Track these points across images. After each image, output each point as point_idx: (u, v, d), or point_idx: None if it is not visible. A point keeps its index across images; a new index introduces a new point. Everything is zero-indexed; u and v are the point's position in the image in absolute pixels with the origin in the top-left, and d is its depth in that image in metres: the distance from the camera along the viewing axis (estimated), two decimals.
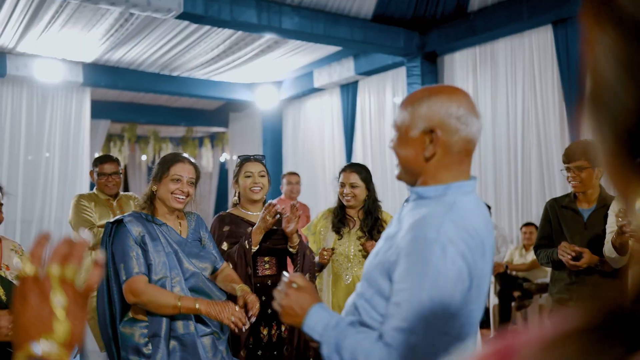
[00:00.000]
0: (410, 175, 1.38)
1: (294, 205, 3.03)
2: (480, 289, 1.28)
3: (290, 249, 3.03)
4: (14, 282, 2.55)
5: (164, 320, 2.45)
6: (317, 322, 1.31)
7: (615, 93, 0.35)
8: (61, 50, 7.38)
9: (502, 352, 0.36)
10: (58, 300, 0.76)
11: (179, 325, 2.47)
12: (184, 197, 2.56)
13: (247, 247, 2.92)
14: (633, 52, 0.34)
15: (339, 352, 1.25)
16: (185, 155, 2.68)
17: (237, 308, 2.37)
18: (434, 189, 1.33)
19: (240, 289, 2.59)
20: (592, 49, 0.37)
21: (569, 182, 3.13)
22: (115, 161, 4.08)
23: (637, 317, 0.32)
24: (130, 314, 2.56)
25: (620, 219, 2.72)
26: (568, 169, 3.10)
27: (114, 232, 2.53)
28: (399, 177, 1.42)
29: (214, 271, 2.73)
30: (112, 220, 2.57)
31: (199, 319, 2.51)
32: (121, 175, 4.11)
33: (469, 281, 1.22)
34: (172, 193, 2.54)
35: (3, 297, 2.48)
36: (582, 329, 0.34)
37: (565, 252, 2.98)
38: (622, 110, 0.34)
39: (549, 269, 5.89)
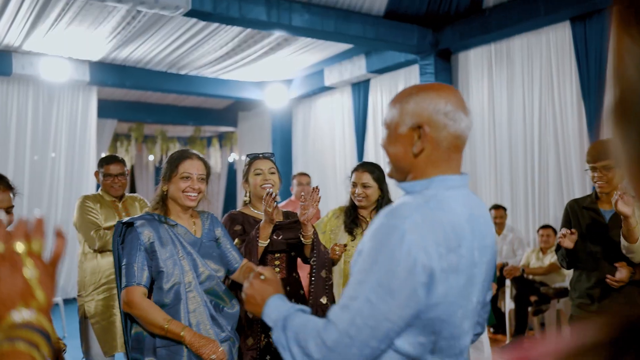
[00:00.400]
0: (400, 172, 1.42)
1: (314, 189, 2.99)
2: (452, 286, 1.27)
3: (303, 240, 3.00)
4: None
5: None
6: (272, 310, 1.39)
7: None
8: (67, 49, 7.43)
9: None
10: (30, 272, 0.87)
11: (201, 330, 2.46)
12: (195, 195, 2.55)
13: (255, 241, 2.89)
14: None
15: (285, 332, 1.32)
16: (193, 151, 2.66)
17: (220, 349, 2.37)
18: (418, 183, 1.37)
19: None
20: (620, 57, 0.37)
21: (594, 182, 3.09)
22: (121, 162, 4.08)
23: None
24: None
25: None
26: (594, 169, 3.06)
27: (124, 233, 2.54)
28: (390, 175, 1.46)
29: (234, 271, 2.72)
30: (124, 220, 2.57)
31: (216, 322, 2.51)
32: (127, 176, 4.11)
33: (425, 276, 1.22)
34: (183, 191, 2.53)
35: None
36: (597, 343, 0.33)
37: (563, 235, 3.06)
38: None
39: (567, 273, 5.87)
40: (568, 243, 3.06)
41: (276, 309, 1.39)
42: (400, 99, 1.40)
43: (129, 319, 2.56)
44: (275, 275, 1.52)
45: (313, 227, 3.04)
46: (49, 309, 0.87)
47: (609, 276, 2.98)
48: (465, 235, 1.30)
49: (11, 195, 2.45)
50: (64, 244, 0.93)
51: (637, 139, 0.35)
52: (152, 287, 2.48)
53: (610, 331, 0.34)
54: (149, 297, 2.49)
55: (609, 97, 0.37)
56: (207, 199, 2.71)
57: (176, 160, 2.58)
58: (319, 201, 2.98)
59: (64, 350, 2.75)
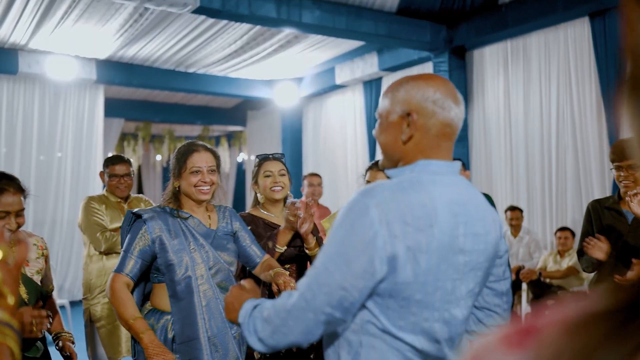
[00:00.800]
0: (390, 160, 1.49)
1: (307, 204, 2.98)
2: (422, 266, 1.31)
3: (308, 252, 3.01)
4: (35, 278, 2.59)
5: (198, 320, 2.45)
6: (245, 310, 1.46)
7: None
8: (74, 47, 7.48)
9: (524, 331, 0.36)
10: None
11: (212, 324, 2.48)
12: (208, 187, 2.55)
13: (271, 247, 2.90)
14: None
15: (251, 316, 1.41)
16: (200, 142, 2.65)
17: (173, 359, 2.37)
18: (403, 168, 1.44)
19: (275, 272, 2.58)
20: (632, 30, 0.37)
21: (619, 182, 3.05)
22: (127, 162, 4.07)
23: None
24: (149, 305, 2.57)
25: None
26: (618, 168, 3.01)
27: (132, 222, 2.56)
28: (382, 165, 1.52)
29: (255, 266, 2.72)
30: (134, 210, 2.58)
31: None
32: (133, 177, 4.11)
33: (387, 251, 1.27)
34: (195, 186, 2.53)
35: (25, 296, 2.50)
36: (607, 310, 0.33)
37: (587, 242, 3.03)
38: None
39: (586, 277, 5.83)
40: (599, 254, 3.02)
41: (248, 306, 1.46)
42: (391, 88, 1.47)
43: None
44: (255, 286, 1.60)
45: (315, 237, 3.04)
46: (15, 309, 1.00)
47: (617, 277, 2.93)
48: (439, 218, 1.33)
49: (22, 198, 2.46)
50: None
51: None
52: (166, 279, 2.49)
53: (618, 299, 0.34)
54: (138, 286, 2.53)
55: (623, 72, 0.37)
56: (221, 188, 2.72)
57: (184, 155, 2.57)
58: (313, 215, 2.97)
59: (73, 344, 2.78)
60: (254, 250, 2.73)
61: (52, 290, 2.80)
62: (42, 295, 2.60)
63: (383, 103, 1.48)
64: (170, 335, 2.46)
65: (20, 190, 2.46)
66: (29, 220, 7.77)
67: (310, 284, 1.32)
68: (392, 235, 1.27)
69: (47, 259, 2.77)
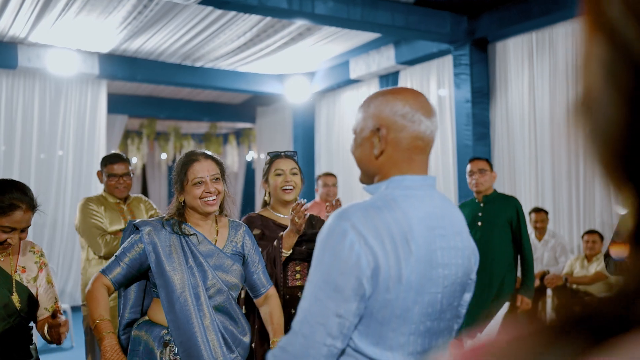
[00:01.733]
0: (366, 176, 1.58)
1: (298, 204, 2.91)
2: (403, 282, 1.37)
3: None
4: (28, 286, 2.62)
5: (200, 344, 2.42)
6: None
7: (602, 102, 0.37)
8: (75, 40, 7.53)
9: (469, 354, 0.40)
10: None
11: (210, 349, 2.46)
12: (214, 198, 2.53)
13: (278, 250, 2.90)
14: (617, 62, 0.36)
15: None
16: (199, 150, 2.63)
17: None
18: (378, 185, 1.52)
19: (272, 341, 2.62)
20: (586, 53, 0.39)
21: None
22: (126, 160, 4.03)
23: (606, 314, 0.35)
24: (147, 317, 2.58)
25: None
26: None
27: (132, 234, 2.57)
28: (361, 180, 1.62)
29: (258, 296, 2.71)
30: (135, 222, 2.58)
31: (226, 343, 2.49)
32: (132, 176, 4.08)
33: (370, 270, 1.34)
34: (200, 198, 2.51)
35: (18, 305, 2.53)
36: (547, 326, 0.37)
37: None
38: (608, 121, 0.36)
39: (615, 281, 5.74)
40: None
41: None
42: (363, 104, 1.57)
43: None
44: None
45: None
46: None
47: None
48: (415, 233, 1.40)
49: (31, 215, 2.53)
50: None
51: (597, 139, 0.38)
52: (162, 297, 2.49)
53: (560, 317, 0.38)
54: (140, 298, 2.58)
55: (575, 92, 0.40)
56: (229, 196, 2.69)
57: (184, 167, 2.55)
58: (305, 217, 2.93)
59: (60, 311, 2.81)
60: (260, 279, 2.70)
61: (58, 307, 2.74)
62: (32, 301, 2.62)
63: (357, 119, 1.58)
64: (158, 346, 2.46)
65: (32, 207, 2.51)
66: None
67: (305, 317, 1.36)
68: (373, 254, 1.34)
69: (48, 272, 2.76)
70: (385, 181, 1.50)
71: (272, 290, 2.74)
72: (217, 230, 2.64)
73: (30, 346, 2.63)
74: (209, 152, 2.64)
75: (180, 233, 2.53)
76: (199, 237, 2.55)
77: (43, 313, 2.67)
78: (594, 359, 0.33)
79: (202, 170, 2.52)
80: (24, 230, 2.51)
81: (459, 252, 1.51)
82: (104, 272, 2.50)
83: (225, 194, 2.63)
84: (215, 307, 2.50)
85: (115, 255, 2.52)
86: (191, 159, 2.56)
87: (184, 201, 2.57)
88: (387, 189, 1.48)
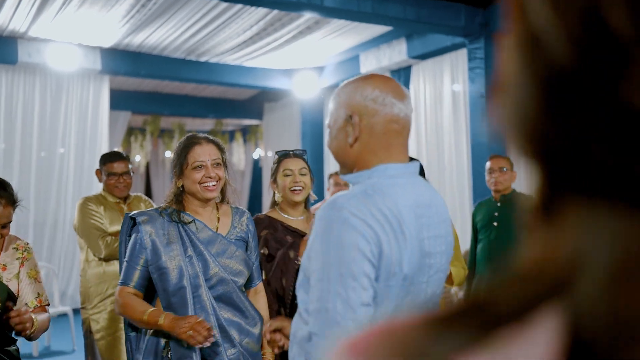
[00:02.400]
0: (345, 167, 1.60)
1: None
2: (396, 274, 1.39)
3: None
4: (9, 284, 2.60)
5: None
6: None
7: (518, 86, 0.38)
8: (77, 34, 7.53)
9: (354, 345, 0.39)
10: None
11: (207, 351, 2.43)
12: (214, 183, 2.49)
13: (292, 257, 2.87)
14: (532, 47, 0.37)
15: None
16: (201, 134, 2.60)
17: (207, 326, 2.28)
18: (361, 174, 1.52)
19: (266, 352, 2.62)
20: (507, 38, 0.40)
21: None
22: (126, 159, 4.03)
23: (500, 301, 0.35)
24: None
25: None
26: None
27: (131, 227, 2.55)
28: (341, 172, 1.64)
29: (248, 288, 2.69)
30: (131, 214, 2.55)
31: (225, 334, 2.46)
32: (132, 175, 4.06)
33: (377, 254, 1.36)
34: (199, 183, 2.48)
35: None
36: (430, 318, 0.36)
37: None
38: (524, 107, 0.37)
39: None
40: None
41: None
42: (334, 95, 1.59)
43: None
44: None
45: None
46: None
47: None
48: (406, 222, 1.42)
49: (11, 210, 2.52)
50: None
51: (513, 125, 0.38)
52: (159, 289, 2.46)
53: (446, 310, 0.37)
54: (148, 299, 2.51)
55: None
56: (231, 185, 2.66)
57: (184, 150, 2.52)
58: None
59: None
60: (253, 273, 2.67)
61: (42, 303, 2.72)
62: (12, 300, 2.60)
63: (330, 111, 1.60)
64: (161, 344, 2.43)
65: (12, 202, 2.52)
66: (29, 221, 7.85)
67: (333, 317, 1.35)
68: (377, 237, 1.37)
69: (32, 267, 2.72)
70: (367, 170, 1.50)
71: (260, 286, 2.74)
72: (219, 218, 2.61)
73: (12, 347, 2.61)
74: (211, 137, 2.61)
75: (178, 221, 2.49)
76: (198, 224, 2.52)
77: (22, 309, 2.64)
78: (468, 355, 0.33)
79: (204, 154, 2.49)
80: (5, 226, 2.52)
81: (442, 239, 1.54)
82: (123, 283, 2.45)
83: (226, 181, 2.60)
84: (218, 297, 2.47)
85: (126, 261, 2.47)
86: (192, 142, 2.53)
87: (182, 187, 2.54)
88: (371, 179, 1.49)
